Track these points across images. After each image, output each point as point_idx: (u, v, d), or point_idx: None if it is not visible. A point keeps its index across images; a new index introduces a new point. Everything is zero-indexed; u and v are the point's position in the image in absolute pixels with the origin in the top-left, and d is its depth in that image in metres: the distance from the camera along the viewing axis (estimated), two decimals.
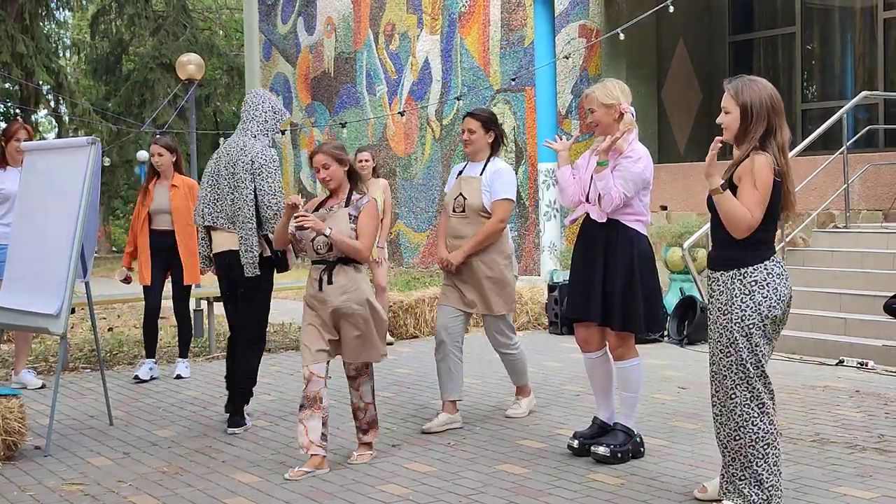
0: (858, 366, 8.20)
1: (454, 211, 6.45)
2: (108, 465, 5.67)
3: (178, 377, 8.24)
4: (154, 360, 8.32)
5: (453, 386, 6.42)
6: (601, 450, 5.49)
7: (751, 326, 4.41)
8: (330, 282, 5.47)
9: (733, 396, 4.46)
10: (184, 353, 8.40)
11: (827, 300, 9.38)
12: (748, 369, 4.43)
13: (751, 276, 4.42)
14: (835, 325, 8.99)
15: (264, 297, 6.54)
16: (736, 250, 4.46)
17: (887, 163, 11.26)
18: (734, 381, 4.45)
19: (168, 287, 8.29)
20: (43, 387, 7.86)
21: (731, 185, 4.43)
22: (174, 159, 8.23)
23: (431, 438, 6.08)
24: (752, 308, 4.40)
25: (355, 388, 5.68)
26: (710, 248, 4.71)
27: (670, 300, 10.10)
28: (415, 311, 10.49)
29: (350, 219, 5.50)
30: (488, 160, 6.45)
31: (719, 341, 4.48)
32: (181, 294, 8.25)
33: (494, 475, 5.30)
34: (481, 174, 6.40)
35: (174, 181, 8.16)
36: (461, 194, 6.43)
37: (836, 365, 8.32)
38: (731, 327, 4.43)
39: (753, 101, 4.43)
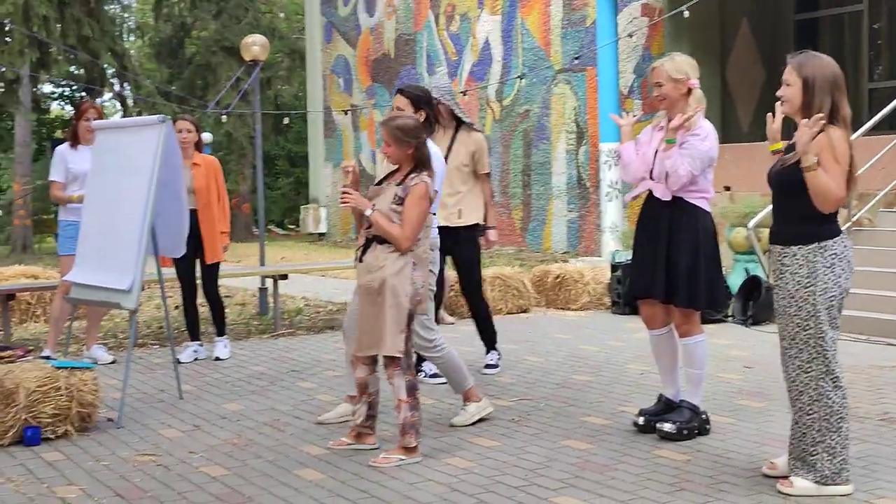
0: None
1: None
2: (179, 437, 5.78)
3: (217, 359, 8.16)
4: (200, 342, 8.30)
5: (460, 377, 5.98)
6: (667, 426, 5.49)
7: (831, 299, 4.44)
8: (361, 259, 5.28)
9: (809, 370, 4.47)
10: (221, 332, 8.33)
11: (893, 280, 9.27)
12: (826, 342, 4.45)
13: (830, 250, 4.45)
14: None
15: None
16: (813, 225, 4.47)
17: None
18: (811, 354, 4.47)
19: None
20: (114, 362, 8.01)
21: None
22: (196, 138, 8.10)
23: (495, 414, 6.11)
24: (832, 281, 4.44)
25: (388, 378, 5.24)
26: (776, 225, 4.67)
27: (735, 281, 10.03)
28: None
29: (395, 199, 5.18)
30: (456, 134, 5.99)
31: (797, 314, 4.48)
32: (209, 274, 8.19)
33: (559, 450, 5.33)
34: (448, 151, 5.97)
35: (195, 159, 8.01)
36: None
37: None
38: (815, 300, 4.44)
39: (816, 75, 4.44)
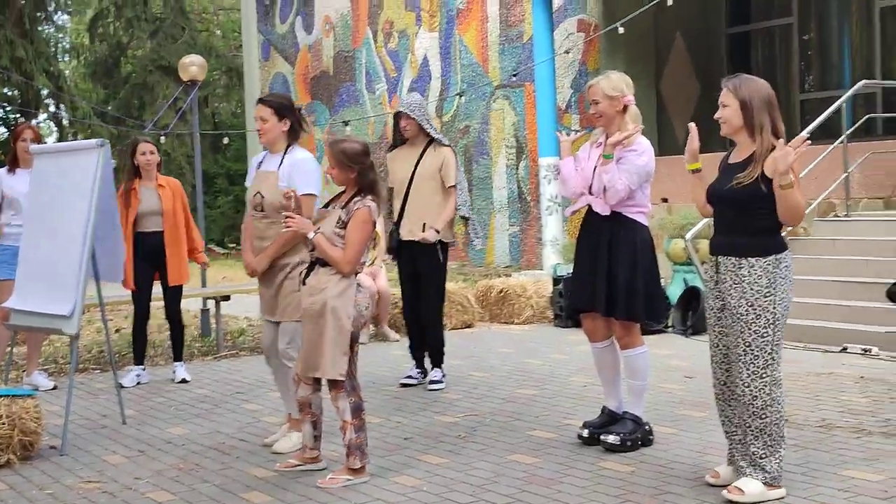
0: (862, 352, 8.27)
1: (255, 210, 5.88)
2: (124, 463, 5.74)
3: (184, 381, 8.14)
4: (143, 366, 8.24)
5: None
6: (611, 438, 5.56)
7: (787, 308, 4.68)
8: (304, 282, 5.27)
9: (763, 376, 4.64)
10: (180, 356, 8.33)
11: (829, 288, 9.45)
12: (777, 350, 4.67)
13: (784, 262, 4.66)
14: (838, 312, 9.06)
15: None
16: (766, 238, 4.67)
17: (887, 151, 11.34)
18: (766, 360, 4.64)
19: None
20: (55, 388, 7.92)
21: (765, 178, 4.57)
22: (159, 159, 8.10)
23: (442, 431, 6.15)
24: (789, 290, 4.67)
25: (332, 400, 5.22)
26: (725, 237, 4.75)
27: (674, 291, 10.17)
28: None
29: (338, 222, 5.19)
30: (286, 151, 5.91)
31: (756, 322, 4.62)
32: (173, 295, 8.20)
33: (506, 465, 5.38)
34: (279, 168, 5.86)
35: (160, 181, 8.03)
36: (259, 192, 5.85)
37: (840, 352, 8.39)
38: (775, 309, 4.63)
39: (752, 96, 4.64)
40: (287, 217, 5.22)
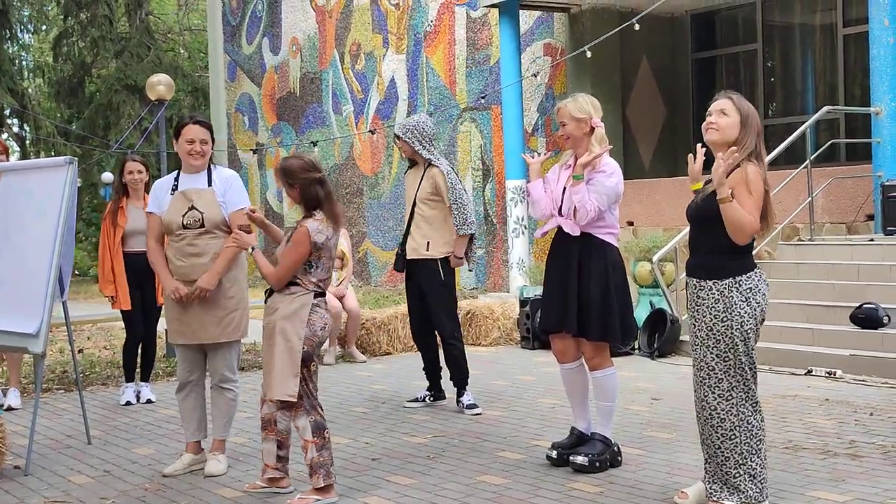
0: (827, 375, 8.34)
1: (185, 227, 5.76)
2: (90, 483, 5.68)
3: (149, 401, 8.09)
4: (134, 382, 8.17)
5: (223, 421, 5.97)
6: (580, 459, 5.57)
7: (748, 331, 4.61)
8: (266, 301, 5.33)
9: (730, 398, 4.62)
10: (147, 377, 8.30)
11: (794, 311, 9.54)
12: (745, 371, 4.63)
13: (746, 284, 4.61)
14: (803, 335, 9.14)
15: None
16: (727, 259, 4.63)
17: (850, 176, 11.48)
18: (731, 383, 4.62)
19: None
20: (9, 409, 7.82)
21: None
22: (147, 178, 8.04)
23: (411, 452, 6.14)
24: (748, 314, 4.60)
25: (292, 420, 5.24)
26: (693, 258, 4.79)
27: (640, 314, 10.20)
28: (387, 328, 10.54)
29: (287, 240, 5.28)
30: (210, 169, 5.93)
31: (717, 346, 4.62)
32: (155, 316, 8.18)
33: (475, 486, 5.37)
34: (209, 185, 5.86)
35: (147, 201, 8.02)
36: (194, 209, 5.77)
37: (805, 375, 8.46)
38: (732, 333, 4.59)
39: (751, 115, 4.70)
40: (234, 234, 5.37)
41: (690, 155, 4.77)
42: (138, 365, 8.23)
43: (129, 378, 8.18)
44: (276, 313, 5.16)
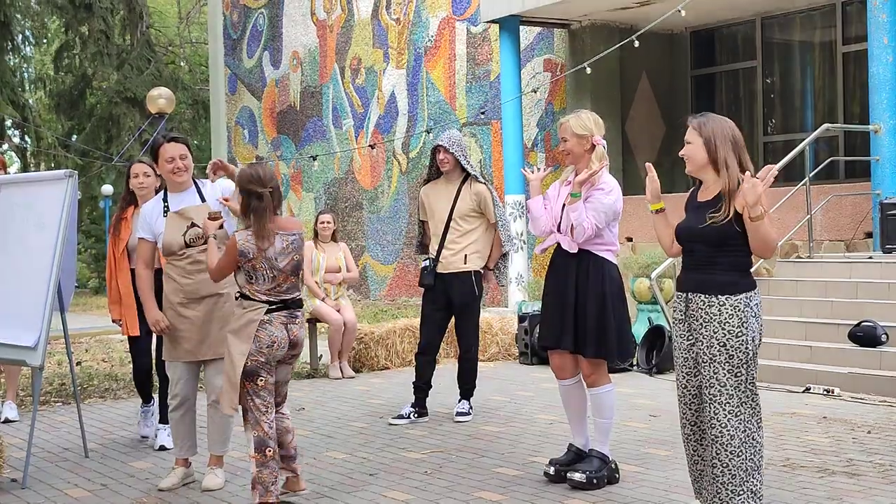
0: (825, 393, 8.34)
1: (188, 245, 5.72)
2: (87, 497, 5.67)
3: (163, 448, 7.52)
4: (162, 424, 6.97)
5: (182, 441, 5.95)
6: (577, 476, 5.56)
7: (758, 346, 4.66)
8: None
9: (738, 414, 4.60)
10: (166, 417, 7.97)
11: (793, 329, 9.54)
12: (753, 386, 4.65)
13: (754, 300, 4.65)
14: (801, 353, 9.13)
15: None
16: (736, 275, 4.65)
17: (848, 194, 11.50)
18: (741, 399, 4.61)
19: None
20: (6, 421, 7.81)
21: (738, 216, 4.59)
22: (158, 184, 6.84)
23: (408, 467, 6.14)
24: (758, 329, 4.64)
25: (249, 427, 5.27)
26: (698, 274, 4.73)
27: (638, 330, 10.21)
28: (385, 343, 10.53)
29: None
30: (196, 185, 5.93)
31: (729, 362, 4.59)
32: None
33: (472, 502, 5.36)
34: (203, 201, 5.85)
35: None
36: (194, 225, 5.73)
37: (803, 392, 8.46)
38: (747, 348, 4.60)
39: (715, 133, 4.65)
40: (203, 221, 5.47)
41: (648, 177, 4.82)
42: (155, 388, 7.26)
43: (147, 400, 7.28)
44: (228, 325, 5.27)
